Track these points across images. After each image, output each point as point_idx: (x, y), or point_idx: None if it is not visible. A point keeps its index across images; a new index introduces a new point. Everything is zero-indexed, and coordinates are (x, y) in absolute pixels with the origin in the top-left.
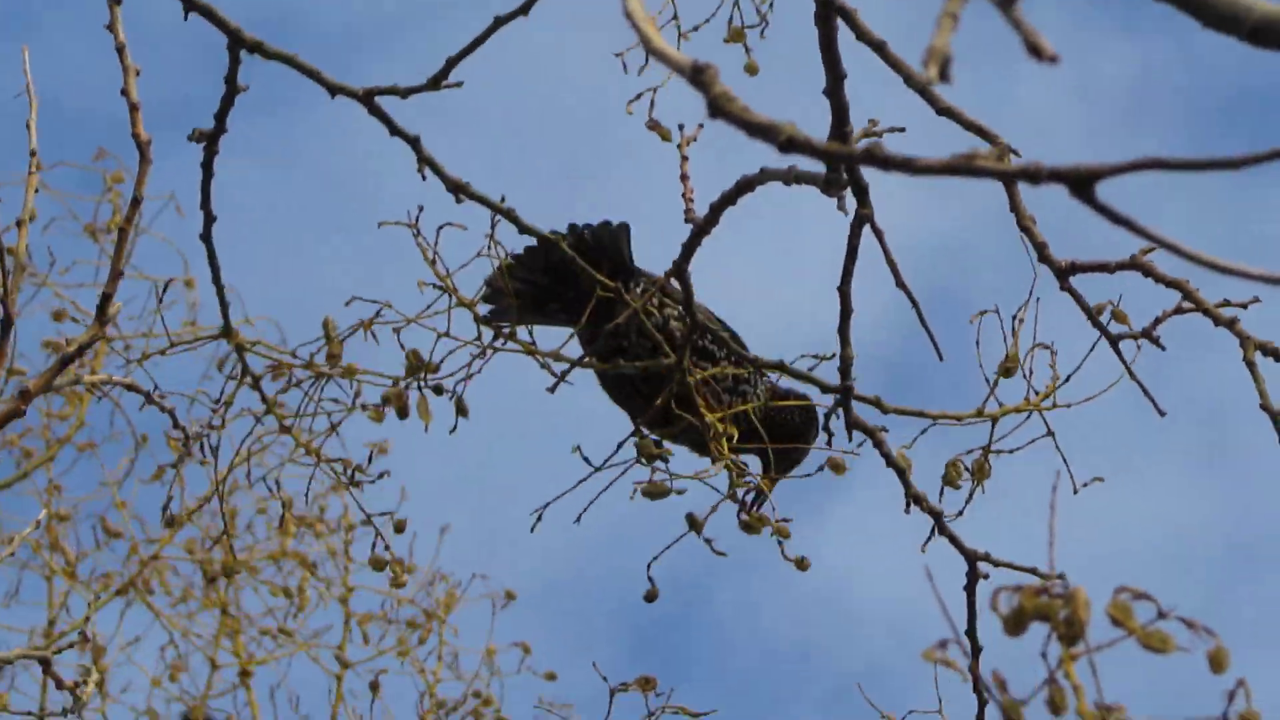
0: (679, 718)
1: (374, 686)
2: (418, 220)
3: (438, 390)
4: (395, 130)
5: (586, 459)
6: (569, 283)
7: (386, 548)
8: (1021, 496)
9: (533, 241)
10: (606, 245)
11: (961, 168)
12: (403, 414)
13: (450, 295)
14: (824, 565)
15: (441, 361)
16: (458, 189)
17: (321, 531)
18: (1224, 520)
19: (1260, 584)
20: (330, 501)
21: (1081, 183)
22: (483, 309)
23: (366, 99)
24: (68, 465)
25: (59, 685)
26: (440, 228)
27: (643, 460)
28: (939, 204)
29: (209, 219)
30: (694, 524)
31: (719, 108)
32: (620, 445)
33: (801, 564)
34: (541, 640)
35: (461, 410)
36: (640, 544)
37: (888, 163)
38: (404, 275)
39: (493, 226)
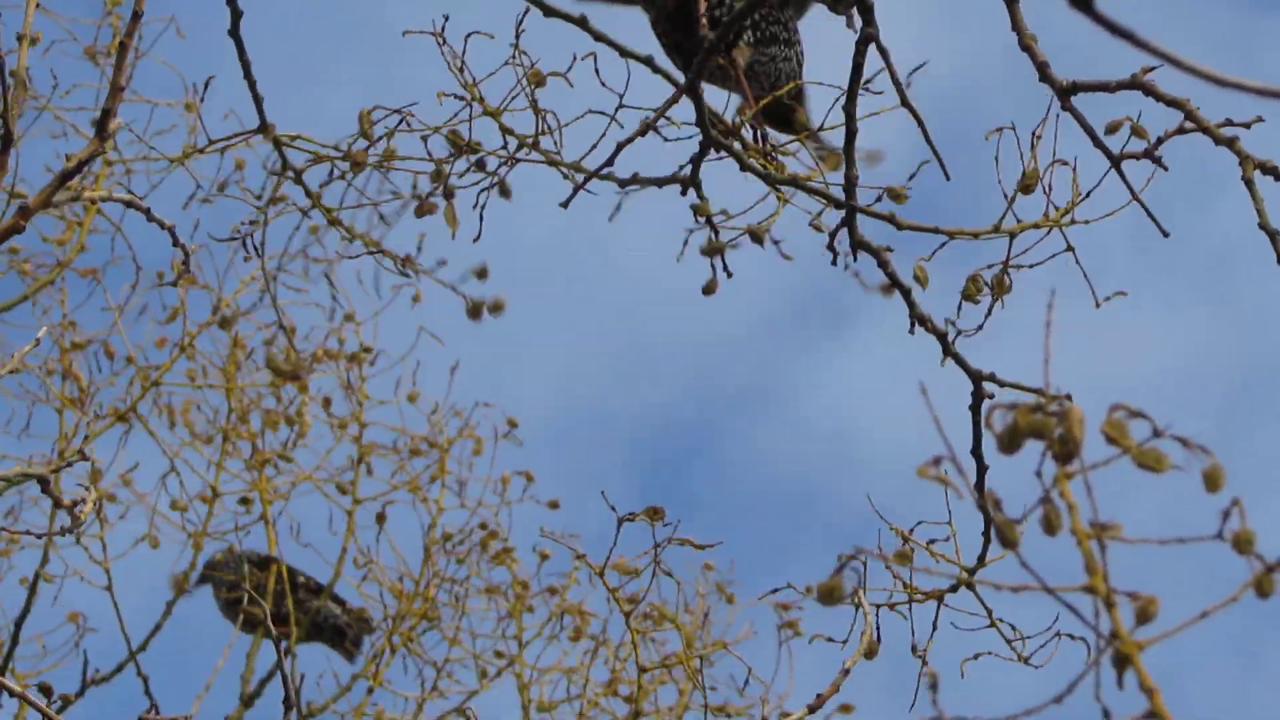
0: (685, 549)
1: (380, 518)
2: (443, 29)
3: (480, 166)
4: None
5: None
6: None
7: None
8: (1032, 326)
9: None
10: None
11: None
12: (449, 194)
13: (476, 104)
14: (832, 404)
15: (466, 170)
16: None
17: (333, 360)
18: (1231, 355)
19: (1268, 420)
20: (344, 338)
21: None
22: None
23: None
24: (73, 296)
25: (57, 504)
26: (468, 36)
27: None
28: (945, 38)
29: (236, 14)
30: (755, 236)
31: None
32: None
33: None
34: (551, 477)
35: (505, 192)
36: (646, 378)
37: None
38: (421, 94)
39: (517, 35)
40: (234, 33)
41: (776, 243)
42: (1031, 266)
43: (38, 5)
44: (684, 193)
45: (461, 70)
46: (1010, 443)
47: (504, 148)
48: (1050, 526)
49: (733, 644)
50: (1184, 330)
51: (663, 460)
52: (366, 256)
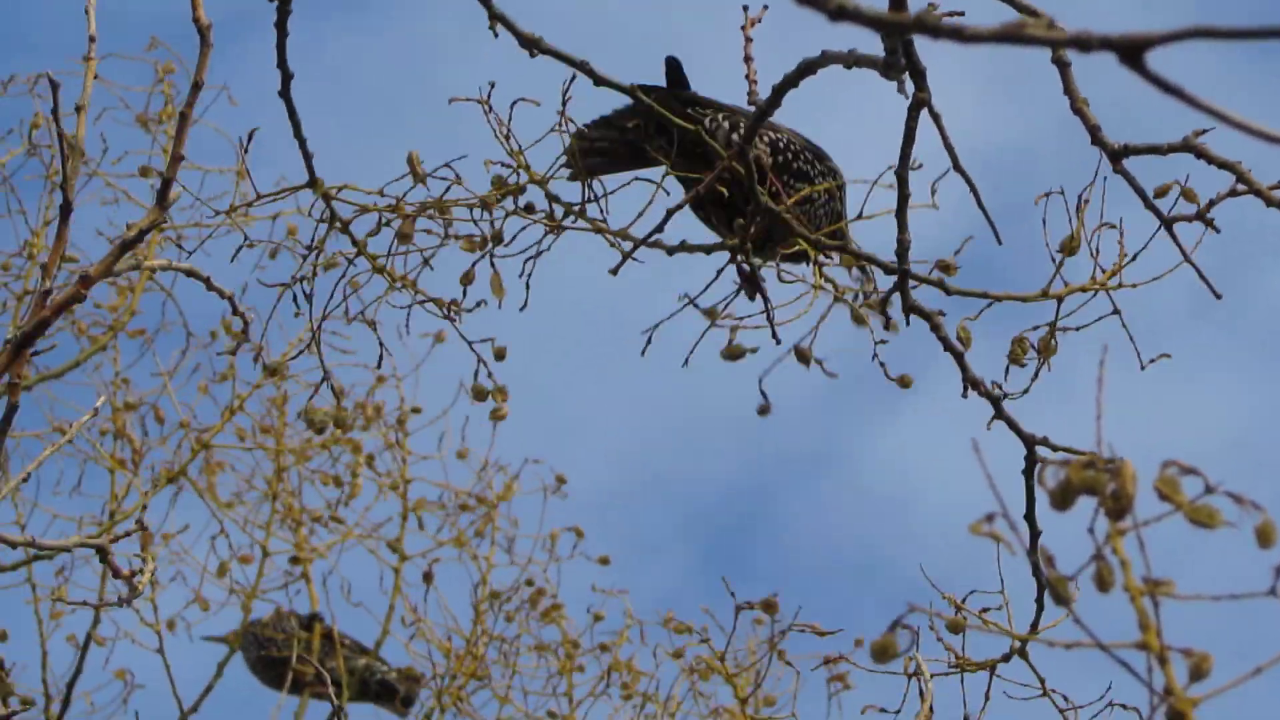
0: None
1: (427, 576)
2: (489, 96)
3: (529, 209)
4: None
5: (692, 301)
6: (654, 135)
7: (489, 374)
8: (1083, 389)
9: (607, 111)
10: (668, 83)
11: (1012, 35)
12: (498, 239)
13: (523, 171)
14: (890, 469)
15: (513, 239)
16: (531, 44)
17: (376, 421)
18: None
19: None
20: (385, 395)
21: (1132, 51)
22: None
23: None
24: (127, 358)
25: (115, 574)
26: (514, 103)
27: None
28: (1002, 107)
29: (286, 76)
30: (802, 355)
31: None
32: (719, 273)
33: (904, 381)
34: (608, 543)
35: (555, 229)
36: (707, 447)
37: (938, 31)
38: (481, 156)
39: (564, 102)
40: (284, 93)
41: (819, 362)
42: (1079, 329)
43: (96, 76)
44: (733, 259)
45: (508, 138)
46: (1063, 499)
47: (549, 215)
48: (1103, 583)
49: (783, 697)
50: (1245, 395)
51: (722, 528)
52: (412, 304)
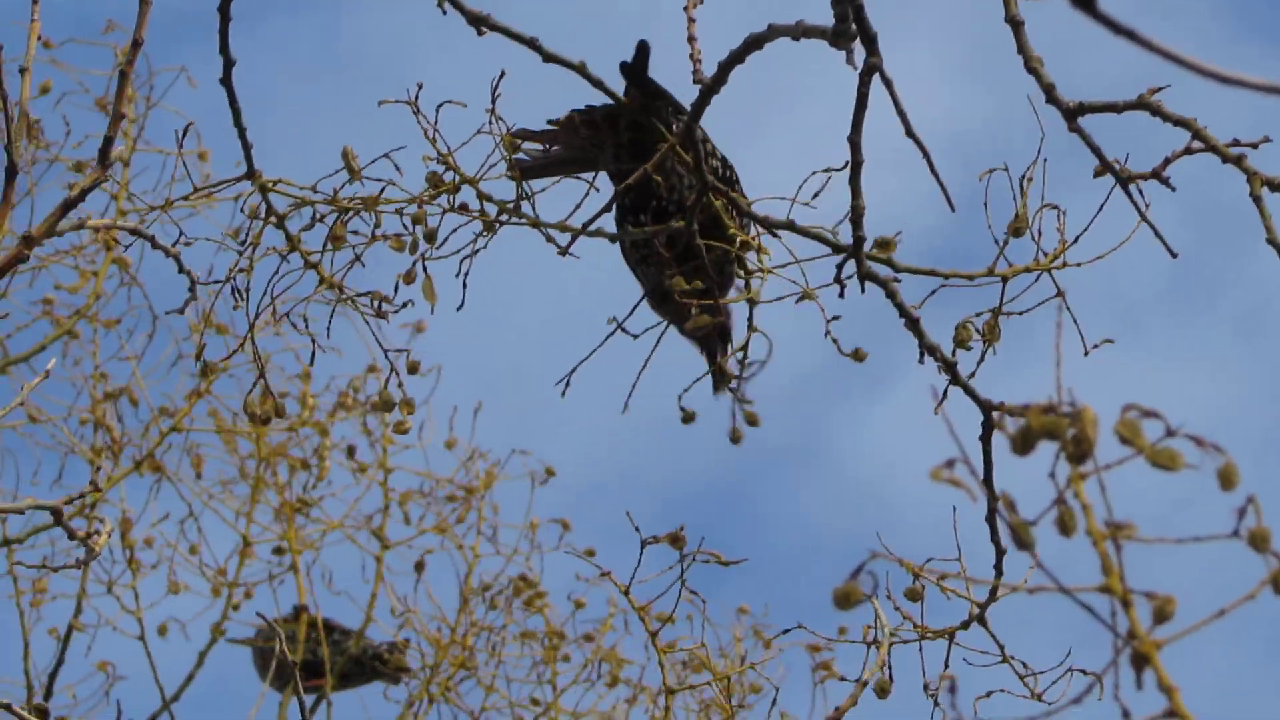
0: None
1: (419, 566)
2: (416, 98)
3: (464, 209)
4: None
5: (625, 329)
6: (606, 136)
7: (400, 384)
8: (1042, 363)
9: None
10: (633, 69)
11: None
12: (430, 239)
13: (453, 171)
14: (869, 455)
15: (447, 238)
16: (479, 21)
17: (355, 409)
18: (1270, 399)
19: None
20: (366, 382)
21: None
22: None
23: None
24: (104, 349)
25: (70, 536)
26: (440, 105)
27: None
28: (976, 98)
29: (228, 63)
30: (722, 374)
31: None
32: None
33: (858, 355)
34: (584, 534)
35: (489, 228)
36: (682, 438)
37: None
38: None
39: (493, 100)
40: (225, 81)
41: (739, 379)
42: (1022, 313)
43: (40, 40)
44: (673, 242)
45: (434, 141)
46: (1024, 444)
47: (482, 213)
48: (1065, 528)
49: (767, 684)
50: (1222, 375)
51: (699, 519)
52: (338, 301)
